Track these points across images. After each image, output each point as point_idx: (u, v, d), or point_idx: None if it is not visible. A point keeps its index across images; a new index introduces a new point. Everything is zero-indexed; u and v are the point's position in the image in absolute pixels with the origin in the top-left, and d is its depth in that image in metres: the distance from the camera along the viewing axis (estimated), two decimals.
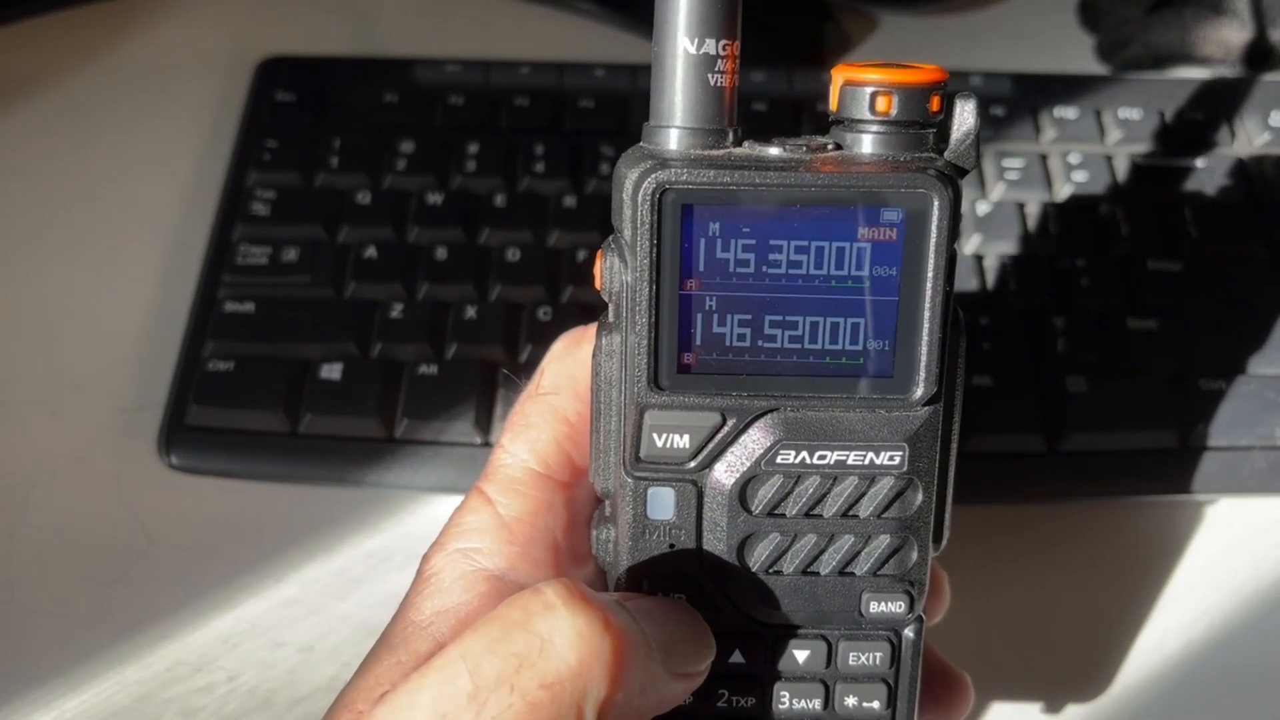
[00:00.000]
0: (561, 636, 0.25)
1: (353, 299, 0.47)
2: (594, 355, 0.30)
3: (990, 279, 0.49)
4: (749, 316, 0.28)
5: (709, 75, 0.28)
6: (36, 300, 0.50)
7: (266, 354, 0.46)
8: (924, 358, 0.28)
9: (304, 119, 0.54)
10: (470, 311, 0.47)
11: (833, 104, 0.29)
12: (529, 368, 0.45)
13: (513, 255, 0.48)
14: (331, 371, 0.45)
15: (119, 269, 0.51)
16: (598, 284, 0.29)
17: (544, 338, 0.46)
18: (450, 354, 0.46)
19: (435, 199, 0.50)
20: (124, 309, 0.50)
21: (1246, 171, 0.52)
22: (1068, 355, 0.46)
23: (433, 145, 0.52)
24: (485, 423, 0.44)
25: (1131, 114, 0.54)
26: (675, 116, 0.28)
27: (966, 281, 0.48)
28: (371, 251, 0.48)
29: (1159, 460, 0.45)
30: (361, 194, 0.50)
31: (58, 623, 0.42)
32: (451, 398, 0.45)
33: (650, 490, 0.29)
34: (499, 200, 0.50)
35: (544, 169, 0.51)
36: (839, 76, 0.28)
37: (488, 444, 0.44)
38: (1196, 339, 0.47)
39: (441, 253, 0.48)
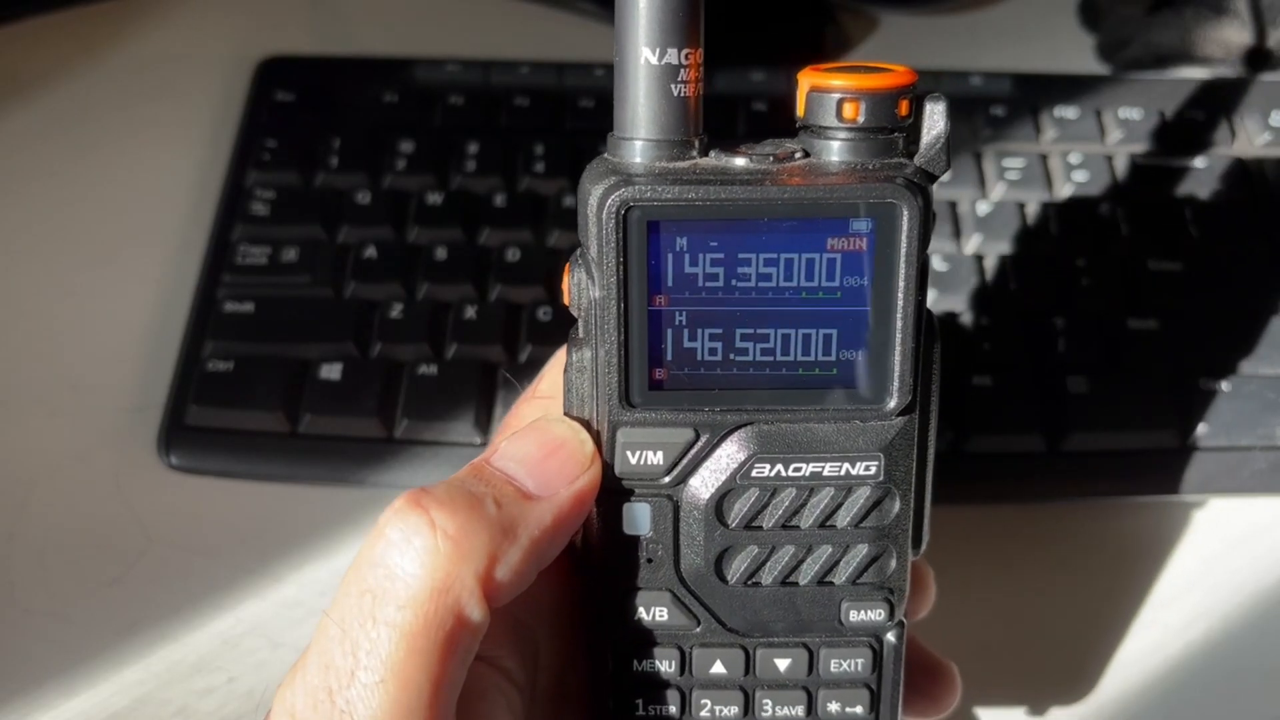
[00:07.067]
0: (397, 554, 0.26)
1: (352, 299, 0.47)
2: (565, 371, 0.29)
3: (990, 279, 0.49)
4: (720, 331, 0.28)
5: (672, 85, 0.27)
6: (36, 300, 0.50)
7: (266, 354, 0.46)
8: (897, 368, 0.28)
9: (304, 119, 0.54)
10: (470, 311, 0.47)
11: (799, 109, 0.28)
12: (529, 368, 0.45)
13: (512, 255, 0.48)
14: (331, 371, 0.45)
15: (119, 269, 0.51)
16: (565, 299, 0.29)
17: (544, 338, 0.46)
18: (450, 354, 0.46)
19: (435, 199, 0.50)
20: (124, 309, 0.50)
21: (1246, 171, 0.52)
22: (1068, 355, 0.46)
23: (433, 145, 0.52)
24: (485, 423, 0.44)
25: (1132, 114, 0.54)
26: (639, 128, 0.28)
27: (966, 281, 0.48)
28: (371, 251, 0.48)
29: (1159, 460, 0.45)
30: (361, 194, 0.50)
31: (57, 623, 0.41)
32: (451, 398, 0.45)
33: (626, 506, 0.29)
34: (499, 200, 0.50)
35: (544, 169, 0.51)
36: (805, 82, 0.28)
37: (487, 444, 0.44)
38: (1196, 339, 0.47)
39: (441, 253, 0.48)
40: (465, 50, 0.58)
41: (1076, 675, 0.42)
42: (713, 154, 0.28)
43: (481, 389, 0.45)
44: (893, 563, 0.30)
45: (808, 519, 0.29)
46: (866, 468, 0.29)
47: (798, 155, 0.28)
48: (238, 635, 0.41)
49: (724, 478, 0.29)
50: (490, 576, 0.26)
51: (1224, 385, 0.46)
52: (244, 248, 0.49)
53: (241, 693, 0.40)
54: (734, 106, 0.54)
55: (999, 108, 0.54)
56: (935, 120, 0.28)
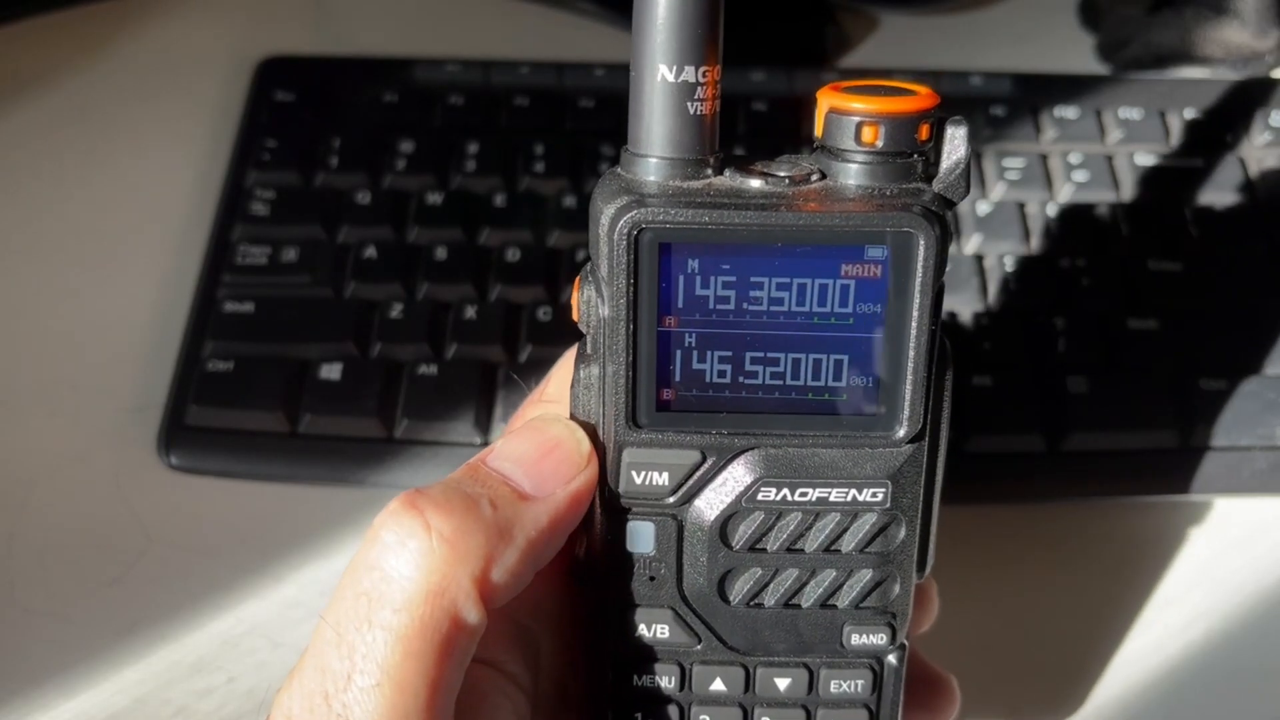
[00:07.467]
0: (393, 556, 0.26)
1: (352, 299, 0.47)
2: (572, 386, 0.29)
3: (990, 279, 0.49)
4: (729, 353, 0.28)
5: (688, 104, 0.27)
6: (37, 300, 0.50)
7: (266, 354, 0.46)
8: (908, 395, 0.28)
9: (304, 119, 0.54)
10: (470, 311, 0.47)
11: (818, 129, 0.28)
12: (529, 368, 0.45)
13: (512, 255, 0.48)
14: (331, 371, 0.45)
15: (119, 269, 0.51)
16: (575, 315, 0.28)
17: (544, 338, 0.46)
18: (450, 354, 0.46)
19: (435, 199, 0.50)
20: (124, 309, 0.50)
21: (1246, 171, 0.52)
22: (1068, 355, 0.46)
23: (433, 145, 0.52)
24: (485, 423, 0.44)
25: (1132, 114, 0.54)
26: (654, 146, 0.27)
27: (967, 281, 0.48)
28: (371, 251, 0.48)
29: (1159, 460, 0.45)
30: (361, 194, 0.50)
31: (57, 623, 0.41)
32: (451, 398, 0.44)
33: (630, 524, 0.29)
34: (499, 200, 0.50)
35: (544, 169, 0.51)
36: (824, 101, 0.27)
37: (487, 444, 0.44)
38: (1196, 339, 0.47)
39: (441, 253, 0.48)
40: (465, 50, 0.58)
41: (1076, 675, 0.42)
42: (727, 173, 0.27)
43: (481, 389, 0.45)
44: (896, 588, 0.30)
45: (812, 543, 0.29)
46: (873, 494, 0.28)
47: (814, 177, 0.27)
48: (238, 635, 0.41)
49: (729, 500, 0.29)
50: (486, 578, 0.26)
51: (1223, 385, 0.46)
52: (244, 248, 0.49)
53: (241, 693, 0.40)
54: (734, 107, 0.54)
55: (999, 108, 0.54)
56: (956, 145, 0.27)
